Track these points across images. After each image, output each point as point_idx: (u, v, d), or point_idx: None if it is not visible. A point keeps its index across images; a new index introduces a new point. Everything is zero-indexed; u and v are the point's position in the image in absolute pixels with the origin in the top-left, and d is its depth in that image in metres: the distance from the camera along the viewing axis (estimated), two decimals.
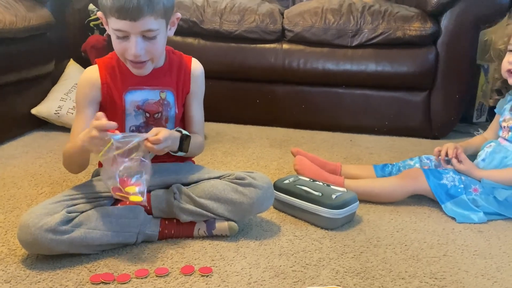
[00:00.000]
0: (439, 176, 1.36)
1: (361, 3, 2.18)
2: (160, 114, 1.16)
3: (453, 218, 1.32)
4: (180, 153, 1.14)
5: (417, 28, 2.03)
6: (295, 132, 2.16)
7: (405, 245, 1.17)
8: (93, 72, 1.14)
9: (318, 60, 2.11)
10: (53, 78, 2.15)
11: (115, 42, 1.06)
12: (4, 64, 1.82)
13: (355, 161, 1.79)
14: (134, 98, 1.14)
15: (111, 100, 1.14)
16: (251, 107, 2.21)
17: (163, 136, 1.04)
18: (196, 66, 1.22)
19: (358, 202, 1.28)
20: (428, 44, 2.06)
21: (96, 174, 1.23)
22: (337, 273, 1.04)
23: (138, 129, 1.18)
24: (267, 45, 2.15)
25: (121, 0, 0.98)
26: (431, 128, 2.13)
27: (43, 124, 2.07)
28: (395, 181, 1.40)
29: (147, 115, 1.16)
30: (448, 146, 1.42)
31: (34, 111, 2.01)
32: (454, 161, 1.39)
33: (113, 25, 1.03)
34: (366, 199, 1.38)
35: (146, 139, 1.02)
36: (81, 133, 1.02)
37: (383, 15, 2.09)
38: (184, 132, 1.14)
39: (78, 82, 1.14)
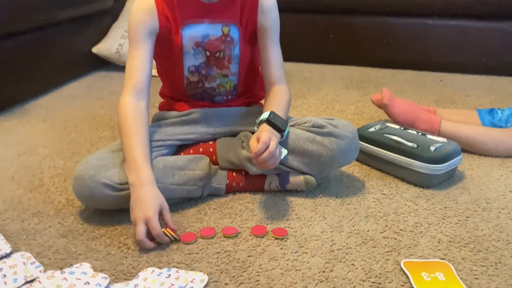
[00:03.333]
0: None
1: None
2: (222, 52, 1.01)
3: None
4: (285, 134, 0.96)
5: None
6: (375, 71, 1.94)
7: None
8: (148, 0, 0.99)
9: None
10: (113, 15, 2.06)
11: None
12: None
13: (448, 105, 1.56)
14: (192, 33, 0.99)
15: (168, 35, 0.99)
16: (324, 42, 2.02)
17: (266, 143, 0.86)
18: None
19: (461, 155, 1.06)
20: None
21: (157, 118, 1.10)
22: (439, 242, 0.86)
23: (197, 69, 1.02)
24: None
25: None
26: None
27: (105, 64, 2.01)
28: (508, 132, 1.16)
29: (208, 53, 1.01)
30: None
31: (95, 49, 1.96)
32: None
33: None
34: (466, 148, 1.17)
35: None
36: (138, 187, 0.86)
37: None
38: (263, 117, 0.93)
39: (130, 11, 0.98)
